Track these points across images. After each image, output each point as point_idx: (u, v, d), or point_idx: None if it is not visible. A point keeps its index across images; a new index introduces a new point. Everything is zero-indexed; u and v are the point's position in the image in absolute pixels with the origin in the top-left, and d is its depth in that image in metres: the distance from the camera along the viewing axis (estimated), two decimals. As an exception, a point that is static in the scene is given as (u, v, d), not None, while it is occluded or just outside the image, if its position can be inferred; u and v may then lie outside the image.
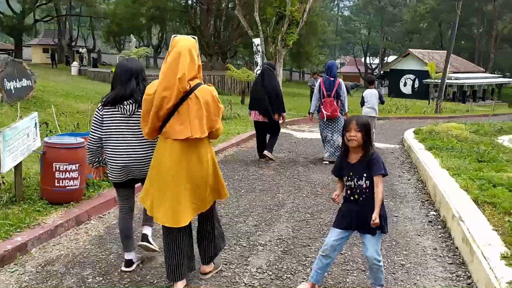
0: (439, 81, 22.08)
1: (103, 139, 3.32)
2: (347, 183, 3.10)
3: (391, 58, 53.30)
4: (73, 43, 44.74)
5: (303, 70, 56.15)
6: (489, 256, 3.27)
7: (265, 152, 7.44)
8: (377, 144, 10.01)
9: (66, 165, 4.43)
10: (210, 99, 3.03)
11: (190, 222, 3.16)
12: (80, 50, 41.01)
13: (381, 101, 9.65)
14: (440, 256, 3.85)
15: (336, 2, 62.03)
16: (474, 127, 11.70)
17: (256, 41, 18.26)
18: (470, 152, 7.51)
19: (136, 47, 33.42)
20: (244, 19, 27.19)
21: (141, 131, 3.22)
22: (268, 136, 7.60)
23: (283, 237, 4.18)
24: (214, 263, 3.44)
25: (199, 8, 37.91)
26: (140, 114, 3.18)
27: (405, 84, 38.64)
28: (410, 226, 4.62)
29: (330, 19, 49.56)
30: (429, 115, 19.62)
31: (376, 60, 61.57)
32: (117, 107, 3.28)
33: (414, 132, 10.69)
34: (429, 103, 25.10)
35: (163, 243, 3.20)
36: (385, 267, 3.60)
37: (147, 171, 3.22)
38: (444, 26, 50.14)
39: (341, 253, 3.84)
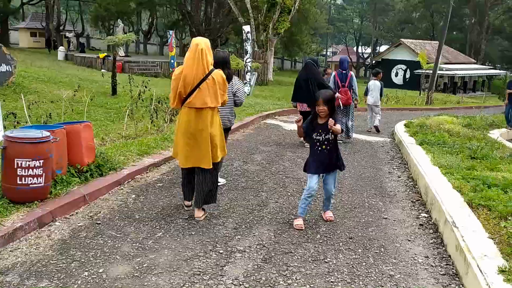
0: (430, 72, 21.85)
1: None
2: (317, 137, 4.19)
3: (383, 48, 53.02)
4: (61, 27, 43.56)
5: (295, 59, 55.56)
6: (486, 270, 2.99)
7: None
8: (367, 138, 9.76)
9: (29, 161, 4.06)
10: (221, 80, 4.24)
11: (200, 171, 4.30)
12: (68, 34, 40.01)
13: (380, 94, 10.85)
14: (432, 266, 3.57)
15: (329, -10, 61.27)
16: (466, 120, 11.48)
17: (246, 28, 17.77)
18: (462, 148, 7.26)
19: (125, 32, 32.68)
20: (235, 6, 26.66)
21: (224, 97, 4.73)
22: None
23: (264, 243, 3.87)
24: (204, 210, 4.41)
25: (189, -6, 37.16)
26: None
27: (396, 74, 38.40)
28: (399, 229, 4.34)
29: (322, 7, 48.89)
30: (420, 107, 19.41)
31: (368, 50, 61.22)
32: None
33: (405, 125, 10.44)
34: (420, 94, 24.92)
35: (181, 178, 4.54)
36: (372, 279, 3.32)
37: (226, 123, 5.08)
38: (436, 17, 49.84)
39: (325, 262, 3.55)
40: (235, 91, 5.12)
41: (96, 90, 14.13)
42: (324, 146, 4.19)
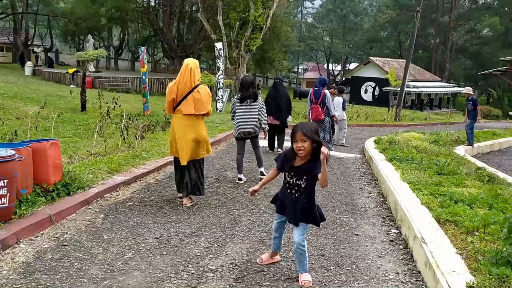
0: (399, 89, 22.45)
1: (236, 115, 6.61)
2: (287, 179, 3.51)
3: (353, 65, 54.29)
4: (30, 42, 42.64)
5: (266, 75, 56.14)
6: (454, 286, 3.04)
7: (279, 150, 9.33)
8: (338, 154, 9.88)
9: (-7, 181, 3.92)
10: (205, 93, 5.19)
11: (186, 166, 5.24)
12: (36, 49, 39.21)
13: (343, 107, 11.73)
14: (403, 282, 3.61)
15: (299, 8, 62.49)
16: (433, 137, 11.80)
17: (218, 45, 17.86)
18: (430, 164, 7.44)
19: (95, 47, 32.24)
20: (207, 23, 26.84)
21: (252, 112, 6.53)
22: (276, 137, 9.55)
23: (237, 261, 3.83)
24: (191, 198, 5.37)
25: (161, 10, 37.15)
26: (253, 105, 6.53)
27: (366, 91, 39.28)
28: (371, 246, 4.38)
29: (293, 25, 49.78)
30: (389, 123, 19.85)
31: (339, 67, 62.52)
32: (244, 101, 6.54)
33: (374, 141, 10.64)
34: (389, 111, 25.52)
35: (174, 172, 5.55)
36: (344, 296, 3.32)
37: (253, 133, 6.60)
38: (403, 36, 51.50)
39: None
40: (260, 108, 6.59)
41: (64, 106, 13.86)
42: (293, 191, 3.44)
